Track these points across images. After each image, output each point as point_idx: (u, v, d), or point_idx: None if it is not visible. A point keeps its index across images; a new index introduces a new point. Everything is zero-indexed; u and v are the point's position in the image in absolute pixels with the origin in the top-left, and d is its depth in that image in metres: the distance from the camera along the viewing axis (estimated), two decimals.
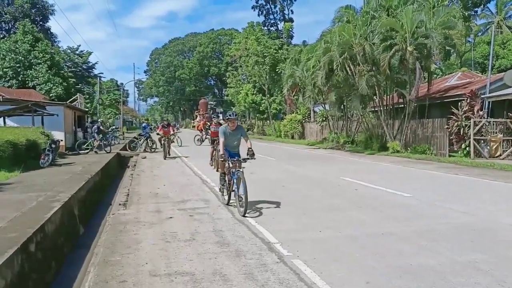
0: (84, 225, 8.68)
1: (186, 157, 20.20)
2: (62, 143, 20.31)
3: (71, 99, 31.52)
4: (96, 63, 54.70)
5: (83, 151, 21.59)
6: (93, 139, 22.21)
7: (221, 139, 8.11)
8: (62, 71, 37.64)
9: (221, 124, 10.47)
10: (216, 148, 10.35)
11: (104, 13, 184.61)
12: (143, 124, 26.89)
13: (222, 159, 8.20)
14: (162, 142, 20.41)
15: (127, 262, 5.21)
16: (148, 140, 24.02)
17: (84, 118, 31.23)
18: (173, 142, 23.99)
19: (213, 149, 13.10)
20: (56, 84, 34.03)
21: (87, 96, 43.01)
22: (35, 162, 14.53)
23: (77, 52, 47.41)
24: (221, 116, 76.72)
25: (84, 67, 47.98)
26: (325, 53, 22.63)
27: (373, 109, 24.32)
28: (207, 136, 15.92)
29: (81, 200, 9.34)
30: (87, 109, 36.39)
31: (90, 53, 48.45)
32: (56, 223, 7.00)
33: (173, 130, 22.92)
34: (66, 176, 11.72)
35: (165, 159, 19.10)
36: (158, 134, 21.15)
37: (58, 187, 9.58)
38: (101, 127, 22.59)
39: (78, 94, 33.78)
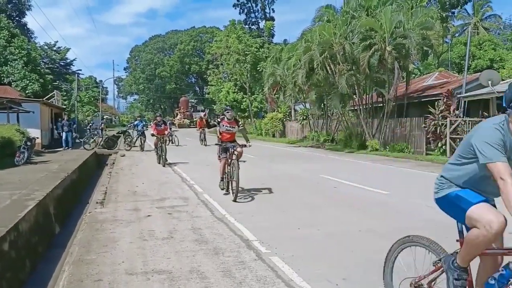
0: (60, 223, 8.51)
1: (185, 163, 16.70)
2: (38, 141, 19.91)
3: (48, 96, 30.89)
4: (74, 59, 53.47)
5: (88, 147, 22.25)
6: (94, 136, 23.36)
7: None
8: (39, 68, 36.85)
9: (237, 121, 9.87)
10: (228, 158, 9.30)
11: (82, 9, 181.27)
12: (136, 122, 25.86)
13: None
14: (159, 144, 16.29)
15: (103, 261, 5.13)
16: (141, 138, 23.55)
17: (61, 115, 30.64)
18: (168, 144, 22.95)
19: (225, 161, 9.24)
20: (33, 81, 33.29)
21: (65, 93, 42.20)
22: (10, 160, 14.21)
23: (55, 48, 46.40)
24: (204, 112, 76.51)
25: (62, 63, 47.02)
26: (306, 52, 22.75)
27: (352, 108, 24.57)
28: (217, 143, 10.53)
29: (57, 198, 9.15)
30: (64, 106, 35.74)
31: (68, 50, 47.51)
32: (31, 221, 6.84)
33: (169, 129, 19.88)
34: (41, 174, 11.48)
35: (164, 166, 15.47)
36: (152, 135, 16.65)
37: (33, 185, 9.37)
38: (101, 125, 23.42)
39: (55, 91, 33.11)
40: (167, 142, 21.85)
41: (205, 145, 24.87)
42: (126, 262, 5.08)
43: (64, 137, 22.98)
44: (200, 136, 26.61)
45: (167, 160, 15.89)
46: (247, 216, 7.28)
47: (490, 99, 17.40)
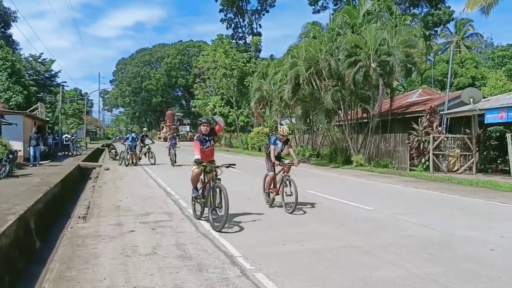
0: (41, 239, 8.33)
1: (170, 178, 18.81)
2: (20, 154, 19.57)
3: (32, 108, 30.49)
4: (59, 71, 53.04)
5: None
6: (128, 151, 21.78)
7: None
8: (23, 79, 36.44)
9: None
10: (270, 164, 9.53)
11: (69, 21, 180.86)
12: (128, 135, 23.70)
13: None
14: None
15: (84, 278, 5.03)
16: (133, 153, 21.82)
17: (45, 128, 30.23)
18: (141, 158, 22.42)
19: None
20: (16, 93, 32.88)
21: (49, 106, 41.72)
22: None
23: (40, 60, 46.02)
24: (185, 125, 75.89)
25: (47, 75, 46.56)
26: (292, 68, 22.97)
27: (338, 123, 24.79)
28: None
29: (38, 213, 8.98)
30: (48, 119, 35.29)
31: (52, 61, 47.12)
32: (11, 236, 6.70)
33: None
34: (23, 188, 11.27)
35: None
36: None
37: (14, 199, 9.19)
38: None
39: (39, 103, 32.67)
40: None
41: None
42: (108, 279, 4.98)
43: (31, 152, 20.12)
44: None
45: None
46: (232, 232, 7.23)
47: (472, 116, 17.72)
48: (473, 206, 10.10)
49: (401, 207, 9.76)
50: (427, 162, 17.60)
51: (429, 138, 17.44)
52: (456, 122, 19.06)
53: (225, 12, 57.72)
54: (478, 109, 16.55)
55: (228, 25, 58.13)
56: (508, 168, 15.84)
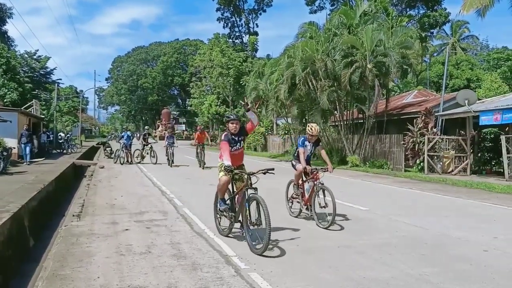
0: (35, 237, 8.31)
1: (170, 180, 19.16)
2: (14, 151, 19.48)
3: (27, 105, 30.32)
4: (54, 68, 52.29)
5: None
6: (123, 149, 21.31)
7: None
8: (18, 76, 36.16)
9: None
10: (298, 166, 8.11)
11: (64, 19, 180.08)
12: (123, 133, 23.17)
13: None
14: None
15: (78, 276, 5.01)
16: (128, 151, 21.57)
17: (40, 125, 30.09)
18: (144, 157, 22.03)
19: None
20: (11, 90, 32.66)
21: (44, 103, 41.46)
22: None
23: (35, 57, 45.70)
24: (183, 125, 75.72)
25: (42, 72, 46.25)
26: (288, 67, 22.99)
27: (333, 124, 24.84)
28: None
29: (32, 210, 8.95)
30: (43, 116, 35.11)
31: (48, 58, 46.76)
32: (5, 234, 6.68)
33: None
34: (17, 186, 11.22)
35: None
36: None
37: (8, 197, 9.15)
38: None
39: (34, 100, 32.49)
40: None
41: (204, 167, 19.25)
42: (102, 277, 4.97)
43: (22, 150, 20.03)
44: (197, 154, 20.20)
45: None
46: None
47: (466, 118, 17.83)
48: (467, 207, 10.15)
49: (396, 208, 9.80)
50: (422, 163, 17.67)
51: (424, 139, 17.52)
52: (451, 124, 19.15)
53: (222, 11, 57.65)
54: (473, 111, 16.64)
55: (225, 24, 58.07)
56: (502, 170, 15.94)
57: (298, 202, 8.37)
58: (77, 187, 15.21)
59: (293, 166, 8.39)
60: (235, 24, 58.50)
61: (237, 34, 58.64)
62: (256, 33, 57.41)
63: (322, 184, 7.62)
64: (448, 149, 17.79)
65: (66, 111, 51.59)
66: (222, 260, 5.60)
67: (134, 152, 22.26)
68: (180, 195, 11.21)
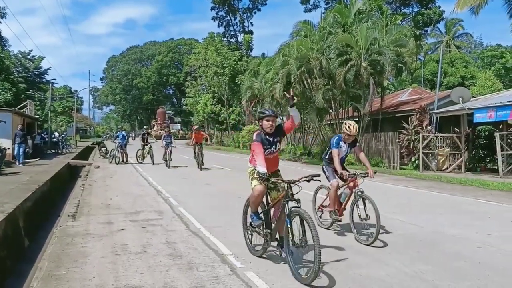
0: (30, 237, 8.27)
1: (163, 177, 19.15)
2: (9, 152, 19.36)
3: (21, 106, 30.14)
4: (48, 68, 52.11)
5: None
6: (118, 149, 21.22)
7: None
8: (12, 77, 35.94)
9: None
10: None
11: (59, 18, 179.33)
12: (118, 133, 22.87)
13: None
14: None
15: (73, 277, 5.00)
16: (123, 151, 21.45)
17: (34, 125, 29.93)
18: (145, 157, 21.44)
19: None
20: (5, 90, 32.45)
21: (38, 103, 41.23)
22: None
23: (29, 57, 45.41)
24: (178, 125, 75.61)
25: (36, 72, 45.94)
26: (283, 66, 23.02)
27: (329, 122, 24.90)
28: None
29: (27, 211, 8.91)
30: (37, 116, 34.92)
31: (42, 58, 46.44)
32: None
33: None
34: (11, 186, 11.16)
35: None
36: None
37: (3, 198, 9.10)
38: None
39: (28, 100, 32.30)
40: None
41: (202, 168, 18.20)
42: (97, 277, 4.96)
43: (16, 150, 19.45)
44: (195, 154, 18.96)
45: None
46: (223, 230, 7.23)
47: (461, 116, 17.90)
48: (461, 205, 10.20)
49: (390, 206, 9.82)
50: (417, 161, 17.74)
51: (419, 137, 17.58)
52: (445, 121, 19.24)
53: (217, 10, 57.56)
54: (467, 109, 16.72)
55: (220, 23, 58.00)
56: (496, 167, 16.04)
57: (325, 210, 7.23)
58: (72, 187, 15.15)
59: (325, 172, 7.15)
60: (230, 23, 58.47)
61: (232, 33, 58.63)
62: (251, 32, 57.38)
63: (362, 192, 6.55)
64: (443, 147, 17.87)
65: (60, 111, 51.35)
66: (218, 259, 5.60)
67: (137, 152, 21.88)
68: (175, 195, 11.19)
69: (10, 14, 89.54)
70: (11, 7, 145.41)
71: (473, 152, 18.25)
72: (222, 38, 52.78)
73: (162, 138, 20.62)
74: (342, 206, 6.99)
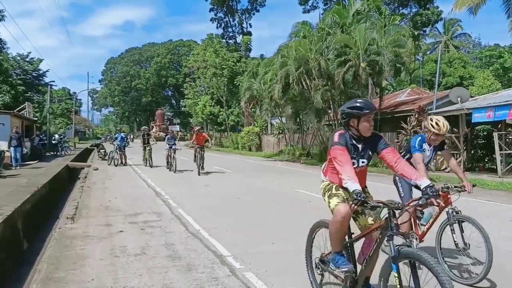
0: (29, 239, 8.25)
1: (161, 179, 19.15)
2: (7, 154, 19.34)
3: (19, 108, 30.15)
4: (47, 71, 52.24)
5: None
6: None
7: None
8: (11, 79, 35.97)
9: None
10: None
11: (57, 20, 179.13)
12: (117, 135, 22.75)
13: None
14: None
15: (72, 279, 4.99)
16: (122, 153, 21.41)
17: (33, 127, 29.92)
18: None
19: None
20: (4, 92, 32.48)
21: (37, 105, 41.22)
22: None
23: (27, 59, 45.42)
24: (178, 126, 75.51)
25: (34, 74, 45.95)
26: (282, 67, 23.02)
27: (328, 123, 24.90)
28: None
29: (25, 213, 8.88)
30: (36, 118, 34.91)
31: (40, 60, 46.48)
32: None
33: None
34: (10, 189, 11.14)
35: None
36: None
37: (1, 200, 9.08)
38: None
39: (26, 103, 32.31)
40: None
41: (201, 173, 16.83)
42: (96, 279, 4.95)
43: (12, 153, 19.01)
44: (195, 157, 17.33)
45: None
46: (221, 231, 7.23)
47: (459, 116, 17.90)
48: (459, 204, 10.18)
49: None
50: None
51: None
52: None
53: (215, 12, 57.58)
54: (466, 108, 16.73)
55: (218, 25, 58.00)
56: (495, 167, 16.04)
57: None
58: (71, 189, 15.13)
59: (398, 188, 5.55)
60: (229, 25, 58.48)
61: (230, 34, 58.63)
62: (249, 33, 57.40)
63: (459, 212, 4.96)
64: None
65: (59, 113, 51.30)
66: (217, 260, 5.60)
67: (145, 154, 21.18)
68: (174, 196, 11.19)
69: (9, 16, 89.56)
70: (9, 9, 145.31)
71: (472, 152, 18.26)
72: (221, 40, 52.81)
73: (166, 140, 19.61)
74: (425, 230, 5.20)
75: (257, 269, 5.21)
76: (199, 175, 16.58)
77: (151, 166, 20.37)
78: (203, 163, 17.21)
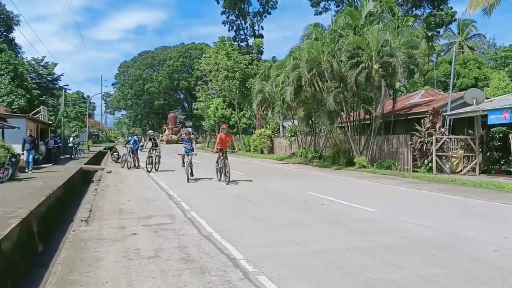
0: (44, 242, 8.34)
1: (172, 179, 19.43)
2: (23, 157, 19.59)
3: (34, 112, 30.57)
4: (61, 74, 53.05)
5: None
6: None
7: None
8: (26, 83, 36.48)
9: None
10: None
11: (71, 25, 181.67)
12: (130, 138, 22.72)
13: None
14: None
15: (87, 281, 5.02)
16: (134, 156, 21.51)
17: (47, 131, 30.29)
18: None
19: None
20: (19, 96, 32.94)
21: (51, 109, 41.78)
22: None
23: (42, 63, 46.09)
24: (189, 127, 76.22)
25: (49, 78, 46.62)
26: (294, 69, 22.95)
27: (340, 125, 24.74)
28: None
29: (40, 216, 9.00)
30: (50, 122, 35.37)
31: (55, 65, 47.14)
32: (14, 240, 6.71)
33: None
34: (26, 191, 11.29)
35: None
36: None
37: (17, 203, 9.21)
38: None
39: (41, 106, 32.77)
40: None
41: (227, 182, 14.49)
42: (110, 282, 4.98)
43: (25, 157, 18.70)
44: (217, 163, 15.36)
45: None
46: (234, 234, 7.22)
47: (475, 117, 17.66)
48: (476, 207, 10.05)
49: (404, 209, 9.72)
50: (430, 163, 17.53)
51: (432, 139, 17.39)
52: (459, 123, 19.00)
53: (227, 14, 57.70)
54: (481, 110, 16.49)
55: (230, 27, 58.10)
56: (511, 169, 15.77)
57: None
58: (85, 192, 15.29)
59: None
60: (240, 27, 58.55)
61: (242, 37, 58.68)
62: (261, 36, 57.41)
63: None
64: (457, 149, 17.64)
65: (73, 117, 51.94)
66: (230, 264, 5.59)
67: (146, 160, 20.45)
68: (187, 199, 11.21)
69: (24, 21, 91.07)
70: (24, 14, 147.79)
71: (488, 154, 17.99)
72: (233, 42, 52.90)
73: (183, 142, 17.04)
74: None
75: (270, 272, 5.18)
76: (227, 184, 14.41)
77: (156, 170, 19.71)
78: (225, 169, 14.66)
